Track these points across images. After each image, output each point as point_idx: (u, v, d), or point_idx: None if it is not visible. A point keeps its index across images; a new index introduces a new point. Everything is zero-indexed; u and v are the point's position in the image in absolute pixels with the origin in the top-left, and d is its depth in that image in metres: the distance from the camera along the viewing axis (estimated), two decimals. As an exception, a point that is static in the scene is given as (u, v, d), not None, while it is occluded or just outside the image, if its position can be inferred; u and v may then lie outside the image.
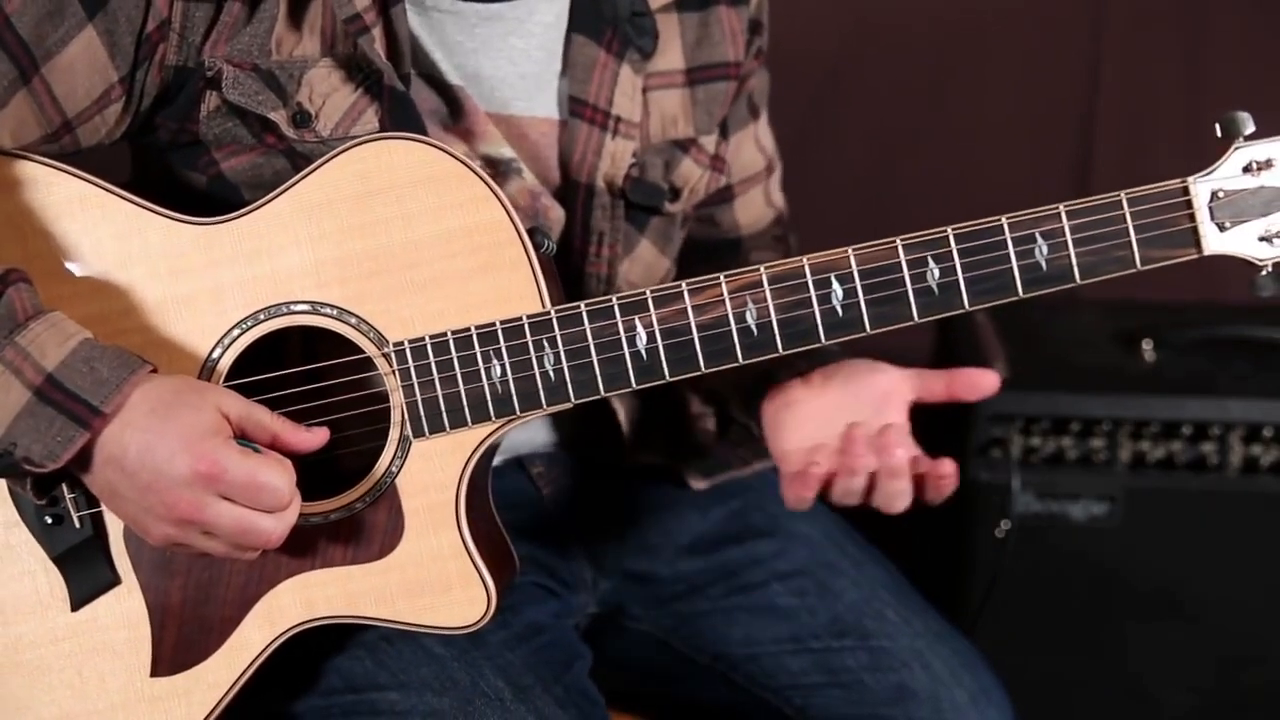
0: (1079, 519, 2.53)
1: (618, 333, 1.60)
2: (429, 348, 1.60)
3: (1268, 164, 1.58)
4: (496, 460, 1.74)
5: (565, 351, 1.60)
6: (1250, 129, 1.57)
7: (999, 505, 2.47)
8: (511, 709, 1.67)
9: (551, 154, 1.80)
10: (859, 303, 1.59)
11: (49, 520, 1.62)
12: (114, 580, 1.64)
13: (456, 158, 1.60)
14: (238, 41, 1.64)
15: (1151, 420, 2.52)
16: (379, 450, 1.62)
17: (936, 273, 1.59)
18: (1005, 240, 1.58)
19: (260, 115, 1.65)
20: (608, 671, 1.86)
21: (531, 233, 1.61)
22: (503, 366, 1.60)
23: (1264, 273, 1.60)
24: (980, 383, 1.73)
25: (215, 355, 1.62)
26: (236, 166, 1.68)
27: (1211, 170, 1.58)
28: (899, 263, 1.59)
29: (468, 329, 1.60)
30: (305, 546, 1.62)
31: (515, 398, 1.60)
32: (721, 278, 1.60)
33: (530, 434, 1.93)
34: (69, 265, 1.62)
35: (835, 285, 1.59)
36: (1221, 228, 1.58)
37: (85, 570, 1.63)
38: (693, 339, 1.60)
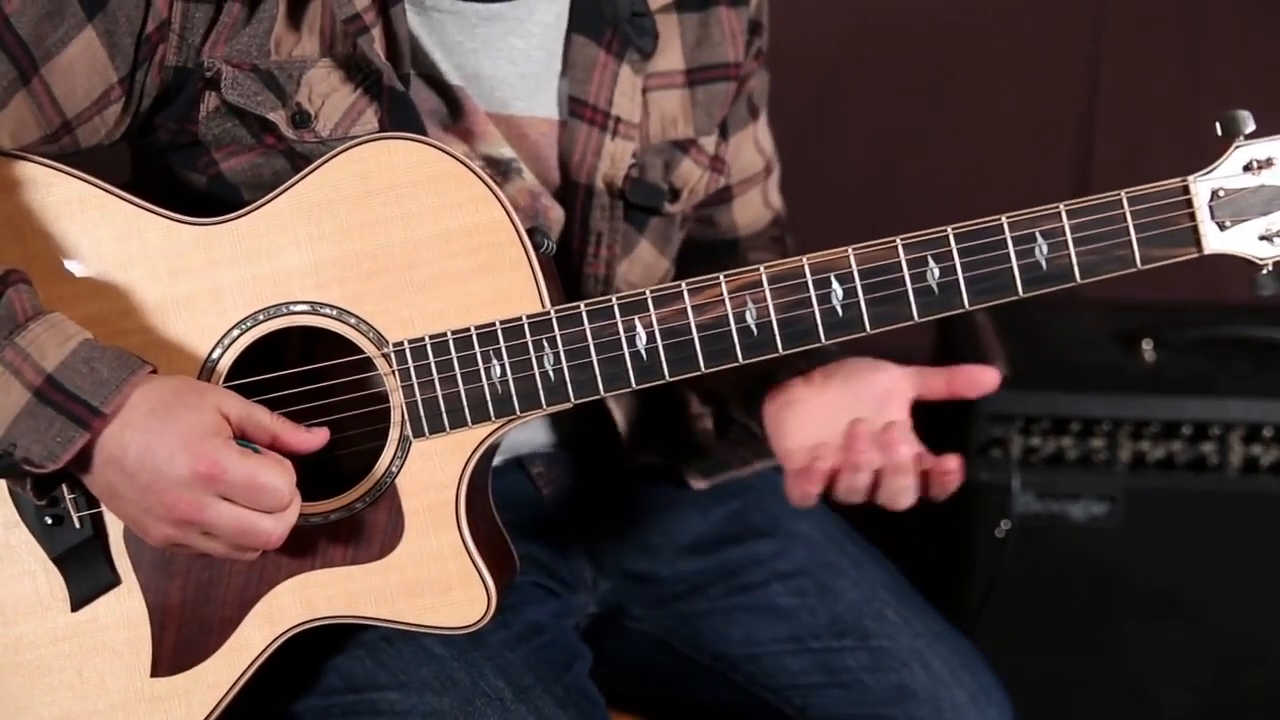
0: (1079, 519, 2.53)
1: (617, 333, 1.60)
2: (429, 348, 1.60)
3: (1268, 163, 1.58)
4: (496, 460, 1.74)
5: (565, 351, 1.60)
6: (1250, 128, 1.57)
7: (999, 505, 2.47)
8: (511, 709, 1.67)
9: (551, 154, 1.80)
10: (859, 302, 1.59)
11: (49, 520, 1.62)
12: (114, 580, 1.64)
13: (456, 158, 1.60)
14: (237, 42, 1.64)
15: (1151, 420, 2.52)
16: (379, 450, 1.62)
17: (936, 272, 1.59)
18: (1005, 240, 1.58)
19: (259, 115, 1.65)
20: (608, 671, 1.86)
21: (531, 233, 1.61)
22: (502, 366, 1.60)
23: (1264, 271, 1.60)
24: (981, 380, 1.73)
25: (215, 356, 1.62)
26: (236, 167, 1.68)
27: (1212, 169, 1.58)
28: (899, 262, 1.59)
29: (467, 329, 1.60)
30: (305, 547, 1.62)
31: (515, 398, 1.60)
32: (721, 278, 1.60)
33: (530, 434, 1.93)
34: (69, 266, 1.62)
35: (835, 285, 1.59)
36: (1222, 227, 1.58)
37: (85, 570, 1.63)
38: (692, 339, 1.60)
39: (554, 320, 1.60)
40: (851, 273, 1.59)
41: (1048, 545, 2.53)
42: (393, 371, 1.61)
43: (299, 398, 1.64)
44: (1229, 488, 2.51)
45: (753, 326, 1.60)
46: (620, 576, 1.97)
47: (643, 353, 1.60)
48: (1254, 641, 2.56)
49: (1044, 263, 1.58)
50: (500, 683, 1.69)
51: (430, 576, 1.62)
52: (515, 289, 1.60)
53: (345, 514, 1.62)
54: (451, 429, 1.61)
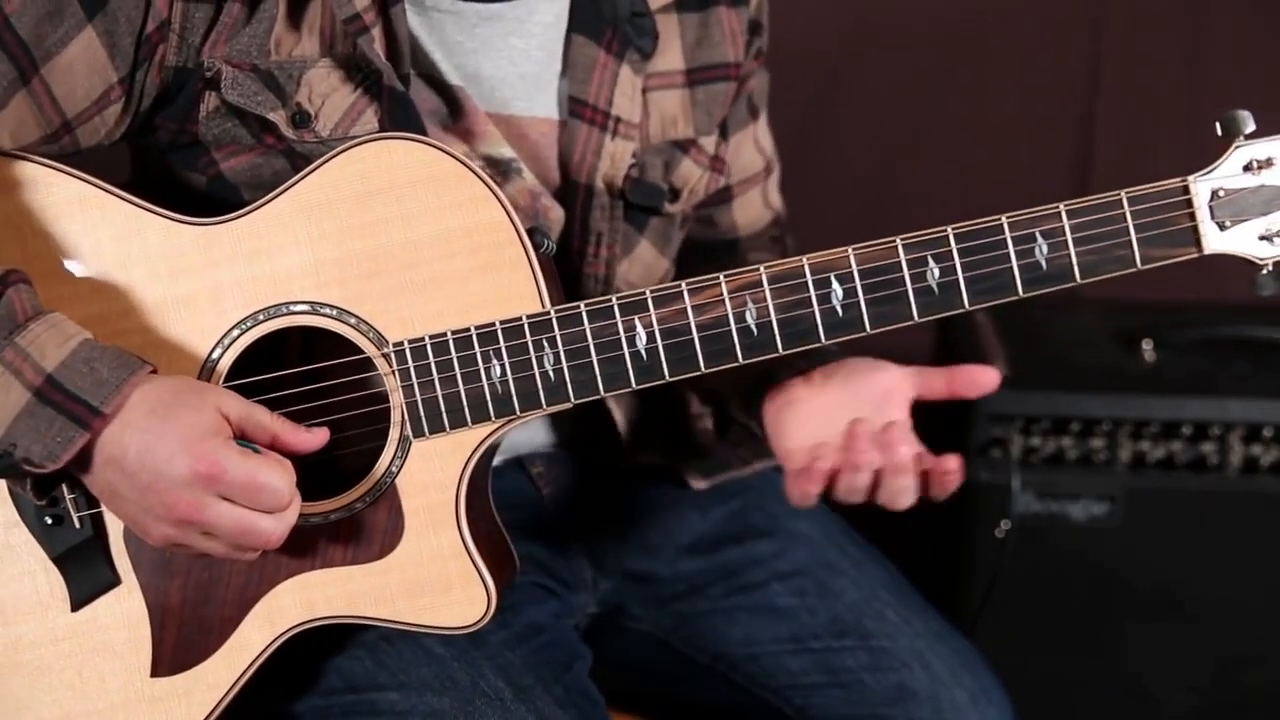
0: (1079, 519, 2.53)
1: (617, 333, 1.60)
2: (429, 348, 1.60)
3: (1268, 163, 1.57)
4: (496, 460, 1.74)
5: (565, 351, 1.60)
6: (1250, 128, 1.57)
7: (999, 505, 2.47)
8: (512, 709, 1.67)
9: (551, 154, 1.80)
10: (859, 302, 1.59)
11: (49, 520, 1.62)
12: (114, 580, 1.64)
13: (456, 158, 1.60)
14: (237, 42, 1.64)
15: (1151, 420, 2.52)
16: (379, 450, 1.62)
17: (936, 272, 1.59)
18: (1005, 240, 1.58)
19: (259, 116, 1.65)
20: (608, 671, 1.86)
21: (531, 233, 1.61)
22: (502, 366, 1.60)
23: (1264, 271, 1.60)
24: (981, 380, 1.72)
25: (215, 356, 1.62)
26: (236, 167, 1.68)
27: (1212, 169, 1.58)
28: (899, 262, 1.59)
29: (467, 329, 1.60)
30: (305, 547, 1.62)
31: (515, 398, 1.60)
32: (721, 278, 1.60)
33: (530, 434, 1.93)
34: (69, 266, 1.62)
35: (835, 285, 1.59)
36: (1222, 227, 1.58)
37: (85, 570, 1.63)
38: (692, 339, 1.60)
39: (554, 320, 1.60)
40: (852, 273, 1.59)
41: (1048, 545, 2.53)
42: (393, 371, 1.61)
43: (299, 398, 1.64)
44: (1229, 488, 2.51)
45: (753, 326, 1.60)
46: (620, 576, 1.97)
47: (643, 353, 1.60)
48: (1254, 641, 2.56)
49: (1044, 263, 1.58)
50: (500, 683, 1.69)
51: (430, 576, 1.62)
52: (515, 289, 1.60)
53: (345, 514, 1.62)
54: (451, 429, 1.61)
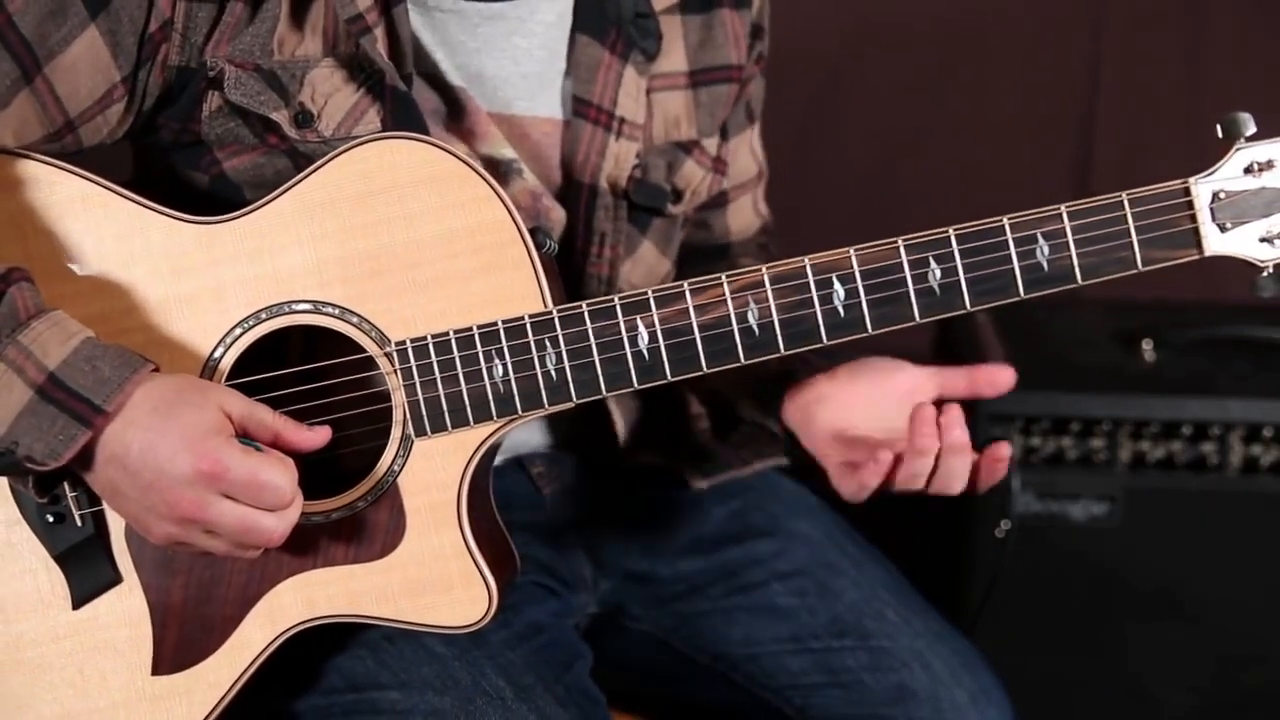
0: (1079, 519, 2.53)
1: (619, 332, 1.60)
2: (431, 347, 1.60)
3: (1269, 165, 1.58)
4: (496, 460, 1.74)
5: (567, 351, 1.60)
6: (1251, 130, 1.57)
7: (999, 505, 2.45)
8: (513, 708, 1.67)
9: (553, 154, 1.80)
10: (860, 303, 1.59)
11: (50, 518, 1.62)
12: (115, 579, 1.64)
13: (459, 157, 1.60)
14: (240, 41, 1.64)
15: (1151, 420, 2.52)
16: (381, 449, 1.62)
17: (938, 273, 1.59)
18: (1007, 241, 1.58)
19: (262, 115, 1.65)
20: (608, 671, 1.86)
21: (533, 233, 1.61)
22: (505, 366, 1.60)
23: (1265, 274, 1.60)
24: (999, 379, 1.75)
25: (217, 354, 1.62)
26: (238, 166, 1.68)
27: (1213, 171, 1.58)
28: (901, 263, 1.59)
29: (470, 328, 1.60)
30: (307, 545, 1.62)
31: (517, 397, 1.60)
32: (723, 278, 1.60)
33: (530, 434, 1.93)
34: (71, 264, 1.62)
35: (837, 285, 1.59)
36: (1223, 229, 1.58)
37: (86, 568, 1.63)
38: (694, 339, 1.60)
39: (556, 320, 1.60)
40: (853, 273, 1.59)
41: (1048, 545, 2.53)
42: (395, 370, 1.61)
43: (301, 396, 1.64)
44: (1229, 488, 2.51)
45: (755, 327, 1.60)
46: (620, 576, 1.97)
47: (645, 353, 1.60)
48: (1254, 641, 2.56)
49: (1045, 264, 1.58)
50: (501, 682, 1.69)
51: (432, 576, 1.62)
52: (517, 289, 1.60)
53: (347, 513, 1.63)
54: (453, 428, 1.61)
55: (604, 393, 1.61)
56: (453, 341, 1.60)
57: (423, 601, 1.63)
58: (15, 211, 1.61)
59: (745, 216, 2.05)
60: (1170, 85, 3.18)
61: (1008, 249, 1.58)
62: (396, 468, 1.62)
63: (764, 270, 1.60)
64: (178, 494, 1.50)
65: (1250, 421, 2.50)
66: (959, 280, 1.59)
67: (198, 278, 1.62)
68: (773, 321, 1.60)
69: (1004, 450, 1.73)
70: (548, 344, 1.60)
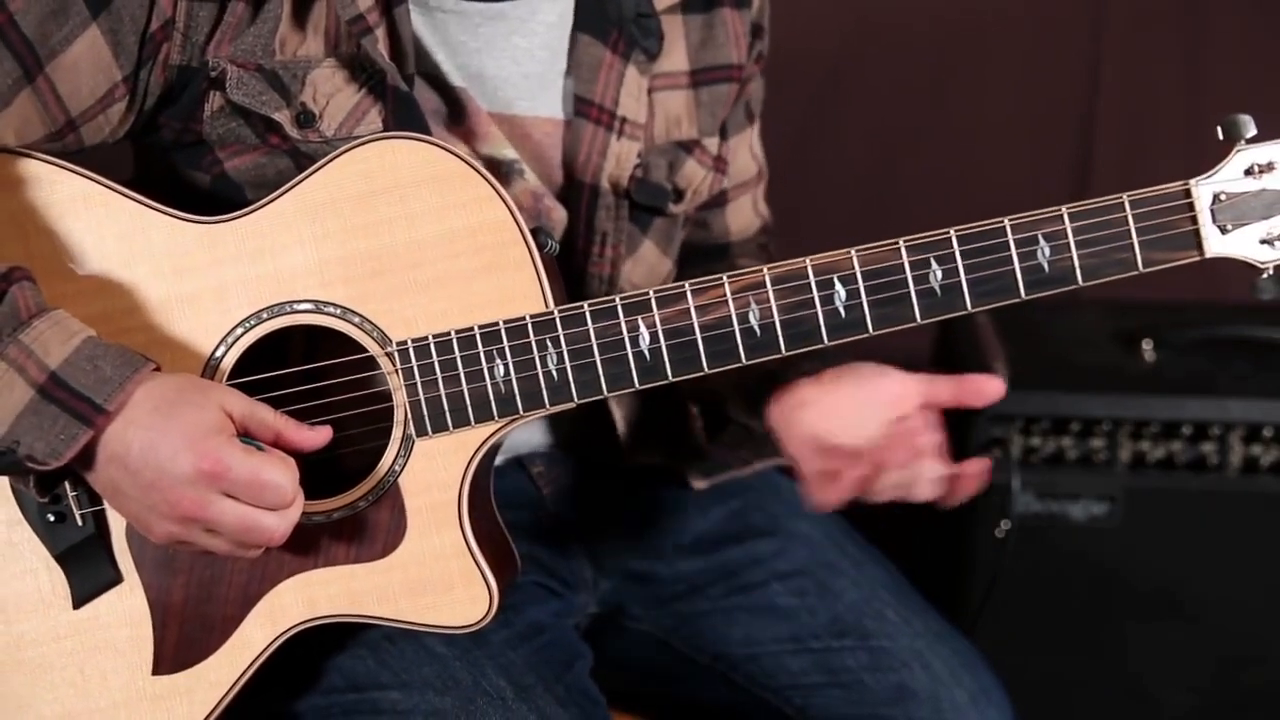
0: (1079, 519, 2.53)
1: (621, 333, 1.60)
2: (432, 347, 1.60)
3: (1269, 167, 1.58)
4: (497, 460, 1.74)
5: (568, 351, 1.60)
6: (1252, 132, 1.57)
7: (999, 505, 2.47)
8: (513, 708, 1.67)
9: (555, 154, 1.80)
10: (862, 304, 1.59)
11: (51, 518, 1.62)
12: (116, 578, 1.64)
13: (460, 158, 1.60)
14: (241, 41, 1.64)
15: (1151, 420, 2.52)
16: (382, 449, 1.63)
17: (939, 274, 1.59)
18: (1008, 242, 1.58)
19: (264, 115, 1.65)
20: (608, 671, 1.86)
21: (535, 233, 1.61)
22: (506, 366, 1.60)
23: (1265, 275, 1.60)
24: (986, 389, 1.70)
25: (219, 354, 1.62)
26: (240, 166, 1.68)
27: (1213, 173, 1.58)
28: (902, 264, 1.59)
29: (471, 328, 1.60)
30: (308, 545, 1.63)
31: (519, 397, 1.60)
32: (724, 278, 1.60)
33: (530, 434, 1.93)
34: (72, 264, 1.62)
35: (838, 286, 1.59)
36: (1223, 230, 1.58)
37: (87, 568, 1.63)
38: (696, 339, 1.60)
39: (558, 320, 1.60)
40: (854, 274, 1.59)
41: (1048, 545, 2.53)
42: (396, 370, 1.61)
43: (302, 396, 1.64)
44: (1229, 488, 2.51)
45: (756, 327, 1.60)
46: (620, 576, 1.97)
47: (646, 353, 1.60)
48: (1254, 641, 2.56)
49: (1046, 265, 1.58)
50: (502, 682, 1.69)
51: (433, 575, 1.62)
52: (519, 289, 1.60)
53: (348, 512, 1.63)
54: (455, 428, 1.61)
55: (605, 393, 1.61)
56: (454, 341, 1.60)
57: (423, 601, 1.63)
58: (17, 210, 1.61)
59: (745, 216, 2.05)
60: (1170, 85, 3.18)
61: (1009, 250, 1.58)
62: (398, 467, 1.62)
63: (765, 271, 1.60)
64: (179, 493, 1.50)
65: (1250, 421, 2.50)
66: (960, 281, 1.59)
67: (199, 277, 1.62)
68: (774, 322, 1.60)
69: (980, 466, 1.69)
70: (549, 344, 1.60)
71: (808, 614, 1.92)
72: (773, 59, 2.01)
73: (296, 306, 1.62)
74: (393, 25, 1.67)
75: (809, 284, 1.60)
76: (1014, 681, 1.93)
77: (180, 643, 1.64)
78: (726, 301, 1.60)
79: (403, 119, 1.67)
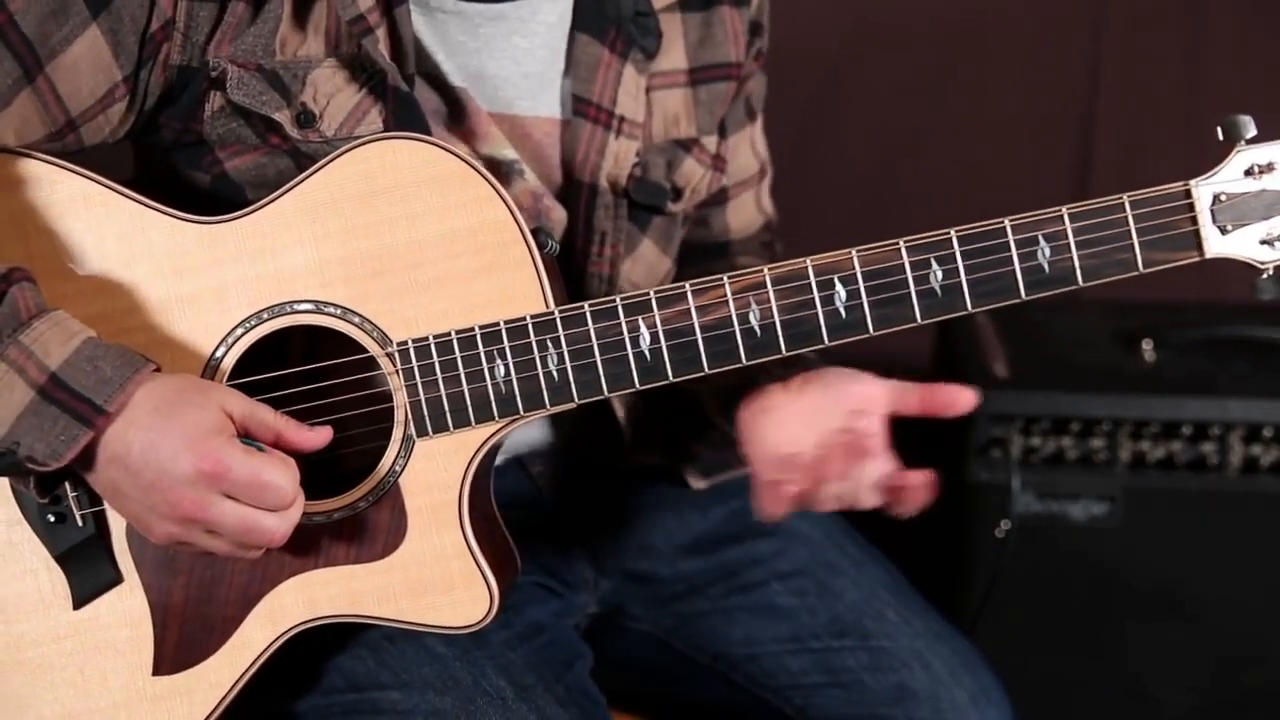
0: (1079, 519, 2.53)
1: (621, 333, 1.60)
2: (433, 347, 1.60)
3: (1269, 167, 1.58)
4: (497, 460, 1.74)
5: (569, 352, 1.60)
6: (1252, 132, 1.57)
7: (999, 505, 2.47)
8: (513, 708, 1.67)
9: (554, 154, 1.80)
10: (862, 304, 1.59)
11: (51, 518, 1.62)
12: (116, 579, 1.64)
13: (460, 158, 1.60)
14: (242, 41, 1.64)
15: (1151, 420, 2.52)
16: (382, 450, 1.63)
17: (939, 274, 1.59)
18: (1008, 242, 1.58)
19: (264, 115, 1.65)
20: (608, 671, 1.86)
21: (535, 233, 1.61)
22: (506, 366, 1.60)
23: (1265, 276, 1.60)
24: (958, 400, 1.67)
25: (219, 354, 1.62)
26: (240, 166, 1.68)
27: (1213, 173, 1.58)
28: (902, 264, 1.59)
29: (471, 329, 1.60)
30: (308, 545, 1.63)
31: (519, 397, 1.60)
32: (725, 279, 1.60)
33: (530, 434, 1.93)
34: (72, 264, 1.62)
35: (838, 286, 1.59)
36: (1223, 231, 1.58)
37: (87, 568, 1.63)
38: (696, 340, 1.60)
39: (558, 320, 1.60)
40: (855, 274, 1.59)
41: (1048, 545, 2.53)
42: (396, 371, 1.61)
43: (302, 396, 1.64)
44: (1229, 488, 2.51)
45: (756, 328, 1.60)
46: (620, 576, 1.97)
47: (646, 353, 1.60)
48: (1254, 641, 2.56)
49: (1046, 265, 1.58)
50: (502, 682, 1.69)
51: (433, 576, 1.62)
52: (519, 289, 1.60)
53: (348, 513, 1.63)
54: (455, 428, 1.61)
55: (606, 393, 1.61)
56: (454, 341, 1.60)
57: (424, 602, 1.63)
58: (17, 210, 1.61)
59: (746, 214, 2.05)
60: (1170, 85, 3.18)
61: (1009, 250, 1.58)
62: (398, 468, 1.62)
63: (765, 271, 1.60)
64: (179, 494, 1.50)
65: (1250, 421, 2.50)
66: (960, 281, 1.59)
67: (199, 277, 1.62)
68: (774, 322, 1.60)
69: (925, 477, 1.65)
70: (549, 344, 1.60)
71: (808, 614, 1.92)
72: (773, 59, 2.01)
73: (297, 307, 1.62)
74: (393, 25, 1.67)
75: (809, 284, 1.60)
76: (1014, 681, 1.93)
77: (180, 643, 1.64)
78: (727, 302, 1.60)
79: (403, 119, 1.67)
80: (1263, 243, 1.59)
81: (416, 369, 1.61)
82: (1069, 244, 1.58)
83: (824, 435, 1.67)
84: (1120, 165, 3.16)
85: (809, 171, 3.12)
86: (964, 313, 1.60)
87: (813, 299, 1.60)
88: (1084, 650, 2.59)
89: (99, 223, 1.62)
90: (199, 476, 1.50)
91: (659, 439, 1.99)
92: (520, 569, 1.73)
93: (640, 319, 1.60)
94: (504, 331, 1.60)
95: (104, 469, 1.53)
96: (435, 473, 1.62)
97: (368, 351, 1.62)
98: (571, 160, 1.80)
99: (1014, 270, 1.58)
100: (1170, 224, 1.58)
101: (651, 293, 1.60)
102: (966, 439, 2.49)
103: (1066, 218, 1.58)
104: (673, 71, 1.87)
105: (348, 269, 1.61)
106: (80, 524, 1.62)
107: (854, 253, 1.59)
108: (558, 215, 1.80)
